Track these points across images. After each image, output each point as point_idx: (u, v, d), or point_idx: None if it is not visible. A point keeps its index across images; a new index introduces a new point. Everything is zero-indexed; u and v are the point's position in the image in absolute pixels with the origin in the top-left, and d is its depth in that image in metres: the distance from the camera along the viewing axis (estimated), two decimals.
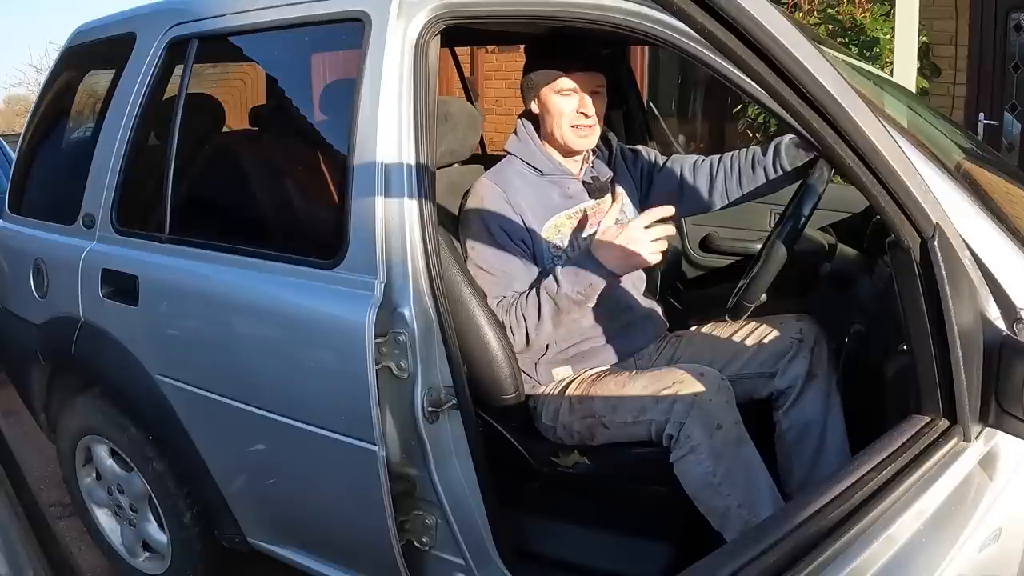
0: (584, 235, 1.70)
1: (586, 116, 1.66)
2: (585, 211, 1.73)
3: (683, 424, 1.44)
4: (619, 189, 1.80)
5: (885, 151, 0.91)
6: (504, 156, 1.77)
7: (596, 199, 1.75)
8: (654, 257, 1.47)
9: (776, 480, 1.61)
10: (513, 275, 1.62)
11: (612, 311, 1.71)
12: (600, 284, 1.52)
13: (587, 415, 1.59)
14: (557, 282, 1.53)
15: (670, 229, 1.49)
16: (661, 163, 1.90)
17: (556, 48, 1.67)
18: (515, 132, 1.76)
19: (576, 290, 1.52)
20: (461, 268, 1.60)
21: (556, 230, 1.68)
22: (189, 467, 1.83)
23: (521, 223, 1.65)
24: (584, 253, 1.55)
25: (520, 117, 1.78)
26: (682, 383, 1.48)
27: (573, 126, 1.67)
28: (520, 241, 1.64)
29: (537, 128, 1.74)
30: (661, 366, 1.71)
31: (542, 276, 1.65)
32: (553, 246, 1.67)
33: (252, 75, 2.08)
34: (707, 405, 1.44)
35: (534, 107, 1.71)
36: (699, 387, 1.46)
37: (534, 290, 1.58)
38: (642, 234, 1.47)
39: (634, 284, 1.81)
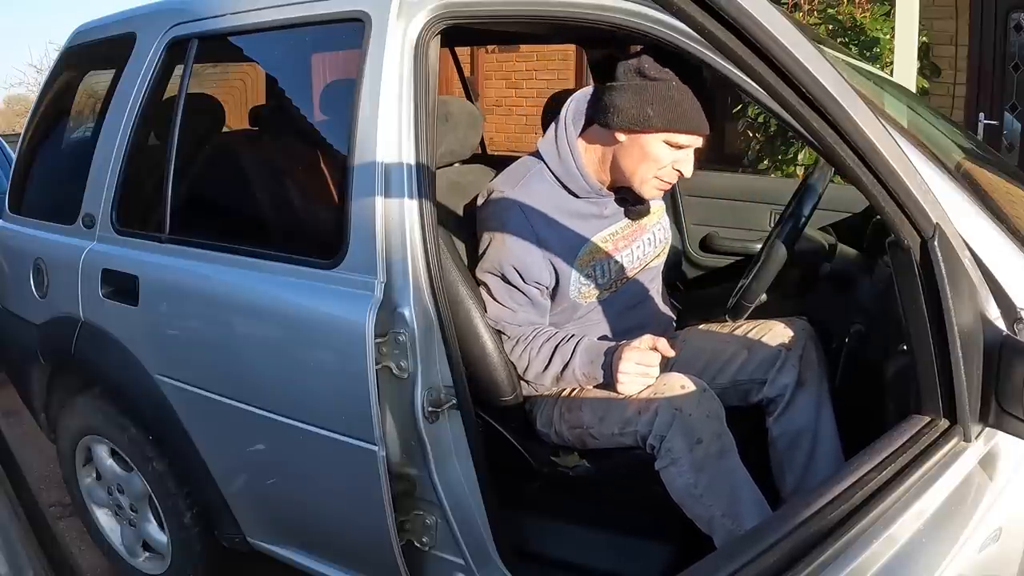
0: (619, 257, 1.63)
1: (681, 175, 1.52)
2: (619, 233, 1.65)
3: (664, 436, 1.44)
4: (656, 211, 1.72)
5: (885, 151, 0.91)
6: (512, 154, 1.71)
7: (632, 219, 1.65)
8: (627, 391, 1.48)
9: (771, 485, 1.61)
10: (519, 311, 1.59)
11: (630, 325, 1.68)
12: (601, 380, 1.53)
13: (575, 425, 1.58)
14: (573, 352, 1.54)
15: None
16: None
17: (695, 97, 1.44)
18: (555, 140, 1.58)
19: (583, 371, 1.54)
20: (461, 268, 1.60)
21: (590, 256, 1.59)
22: (189, 467, 1.83)
23: (542, 259, 1.55)
24: (610, 349, 1.50)
25: (566, 120, 1.58)
26: (664, 395, 1.47)
27: (658, 177, 1.52)
28: (534, 282, 1.56)
29: (588, 145, 1.57)
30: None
31: (564, 301, 1.61)
32: (584, 274, 1.59)
33: (252, 75, 2.08)
34: (687, 419, 1.42)
35: (620, 136, 1.49)
36: (681, 400, 1.45)
37: (551, 342, 1.56)
38: (649, 372, 1.47)
39: (656, 293, 1.78)
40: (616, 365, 1.48)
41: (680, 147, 1.49)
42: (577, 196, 1.59)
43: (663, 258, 1.78)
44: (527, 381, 1.64)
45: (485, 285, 1.62)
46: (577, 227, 1.59)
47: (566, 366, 1.54)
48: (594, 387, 1.58)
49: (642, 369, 1.47)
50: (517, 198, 1.56)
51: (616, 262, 1.63)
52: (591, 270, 1.60)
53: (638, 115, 1.46)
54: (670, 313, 1.82)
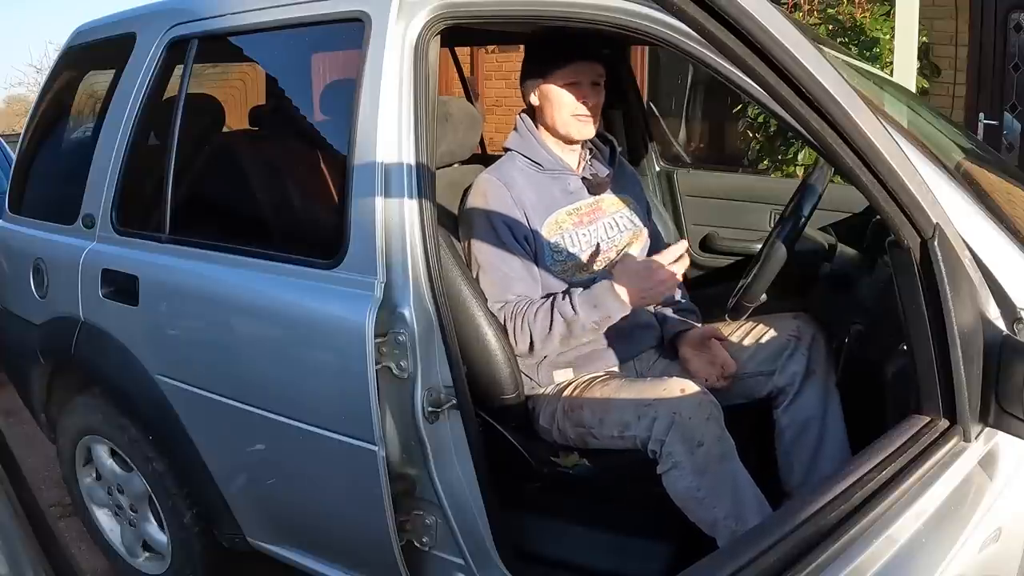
0: (583, 233, 1.70)
1: (587, 105, 1.67)
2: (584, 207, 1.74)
3: (664, 441, 1.44)
4: (612, 196, 1.81)
5: (885, 151, 0.91)
6: (503, 154, 1.77)
7: (595, 195, 1.76)
8: (672, 292, 1.51)
9: (776, 478, 1.61)
10: (512, 275, 1.62)
11: None
12: (617, 317, 1.55)
13: (578, 424, 1.59)
14: (574, 309, 1.55)
15: (685, 263, 1.53)
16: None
17: (558, 39, 1.68)
18: (515, 128, 1.77)
19: (592, 319, 1.55)
20: (461, 268, 1.60)
21: (556, 226, 1.68)
22: (189, 467, 1.83)
23: (524, 220, 1.65)
24: (605, 286, 1.55)
25: (520, 114, 1.78)
26: (662, 400, 1.47)
27: (574, 115, 1.68)
28: (523, 239, 1.65)
29: (535, 123, 1.75)
30: (661, 369, 1.71)
31: (543, 276, 1.66)
32: (552, 243, 1.67)
33: (252, 75, 2.08)
34: (686, 424, 1.43)
35: (534, 99, 1.72)
36: (679, 404, 1.45)
37: (546, 304, 1.58)
38: (663, 272, 1.51)
39: None
40: (614, 274, 1.56)
41: (574, 82, 1.66)
42: (543, 167, 1.72)
43: (639, 248, 1.80)
44: (533, 365, 1.65)
45: (481, 267, 1.64)
46: (545, 198, 1.70)
47: (571, 321, 1.56)
48: (599, 384, 1.60)
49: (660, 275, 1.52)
50: (494, 176, 1.70)
51: (583, 235, 1.70)
52: (560, 238, 1.68)
53: (529, 74, 1.71)
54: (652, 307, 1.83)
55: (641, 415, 1.48)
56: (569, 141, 1.74)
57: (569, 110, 1.68)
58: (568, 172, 1.74)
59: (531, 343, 1.60)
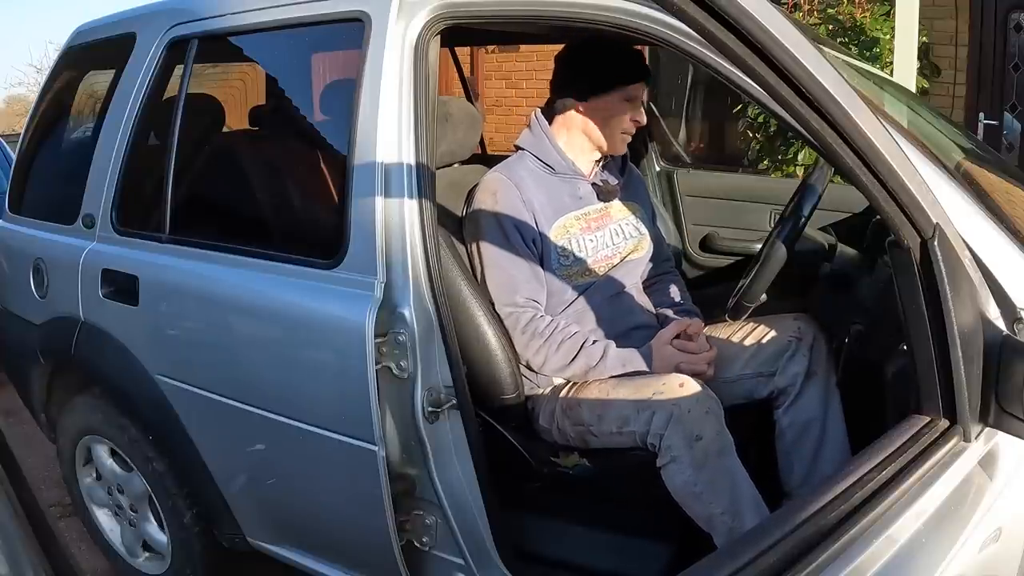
0: (590, 239, 1.71)
1: (638, 123, 1.71)
2: (592, 213, 1.74)
3: (663, 435, 1.45)
4: (620, 203, 1.81)
5: (885, 151, 0.91)
6: (511, 153, 1.76)
7: (604, 202, 1.76)
8: (708, 373, 1.59)
9: (776, 479, 1.61)
10: (520, 277, 1.62)
11: (614, 316, 1.71)
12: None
13: (577, 423, 1.60)
14: (603, 357, 1.60)
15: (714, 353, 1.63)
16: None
17: (625, 55, 1.68)
18: (528, 127, 1.76)
19: (614, 373, 1.60)
20: (461, 268, 1.60)
21: (564, 230, 1.69)
22: (189, 467, 1.83)
23: (533, 222, 1.65)
24: (643, 353, 1.61)
25: (536, 112, 1.77)
26: (662, 393, 1.48)
27: (624, 132, 1.72)
28: (531, 241, 1.65)
29: (551, 124, 1.74)
30: None
31: (548, 279, 1.66)
32: (559, 247, 1.67)
33: (252, 75, 2.08)
34: (685, 417, 1.44)
35: (582, 107, 1.69)
36: (678, 398, 1.46)
37: (572, 340, 1.61)
38: (701, 358, 1.58)
39: (637, 288, 1.81)
40: (654, 347, 1.61)
41: (635, 100, 1.69)
42: (554, 171, 1.71)
43: (642, 254, 1.81)
44: (535, 372, 1.66)
45: (487, 268, 1.64)
46: (555, 201, 1.70)
47: (592, 365, 1.60)
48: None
49: (691, 367, 1.58)
50: (504, 175, 1.69)
51: (590, 241, 1.71)
52: (567, 242, 1.68)
53: (593, 80, 1.67)
54: (652, 309, 1.83)
55: (640, 409, 1.48)
56: (603, 153, 1.75)
57: (621, 127, 1.70)
58: (579, 177, 1.74)
59: (543, 363, 1.63)
